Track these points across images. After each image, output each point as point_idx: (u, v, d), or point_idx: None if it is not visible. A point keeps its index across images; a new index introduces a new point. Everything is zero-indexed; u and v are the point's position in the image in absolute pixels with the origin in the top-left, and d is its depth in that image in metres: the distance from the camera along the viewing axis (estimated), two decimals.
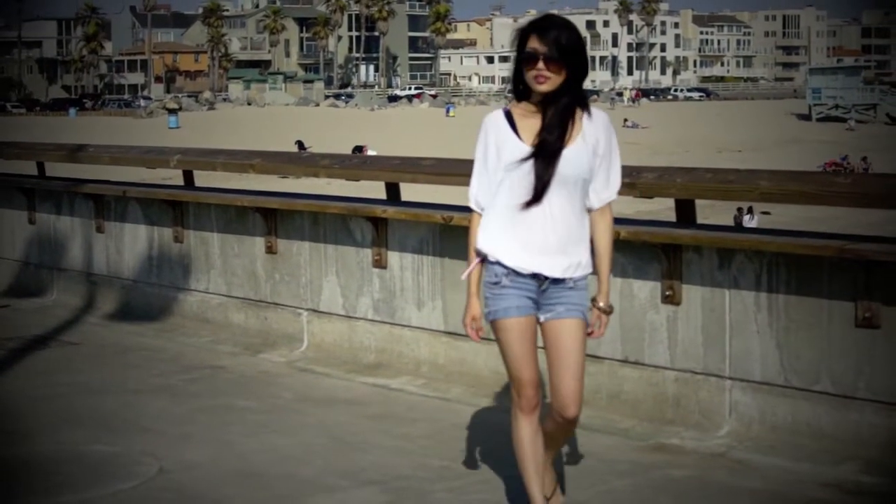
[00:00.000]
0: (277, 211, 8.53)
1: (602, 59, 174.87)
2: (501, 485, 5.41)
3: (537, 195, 4.42)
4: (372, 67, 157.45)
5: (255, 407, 7.02)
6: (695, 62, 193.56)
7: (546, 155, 4.41)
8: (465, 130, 35.80)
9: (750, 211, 30.26)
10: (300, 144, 51.68)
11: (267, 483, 5.62)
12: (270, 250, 8.59)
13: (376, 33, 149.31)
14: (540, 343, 4.59)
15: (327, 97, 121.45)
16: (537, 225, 4.45)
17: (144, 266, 9.77)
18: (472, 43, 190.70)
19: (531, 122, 4.46)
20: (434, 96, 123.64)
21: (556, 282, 4.51)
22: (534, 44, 4.40)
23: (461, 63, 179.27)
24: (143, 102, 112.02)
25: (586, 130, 4.46)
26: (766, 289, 6.00)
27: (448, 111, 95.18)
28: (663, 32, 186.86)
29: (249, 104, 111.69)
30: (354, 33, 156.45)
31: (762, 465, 5.72)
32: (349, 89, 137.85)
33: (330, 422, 6.67)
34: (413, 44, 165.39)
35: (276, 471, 5.78)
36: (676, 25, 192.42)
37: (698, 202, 6.75)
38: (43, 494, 5.49)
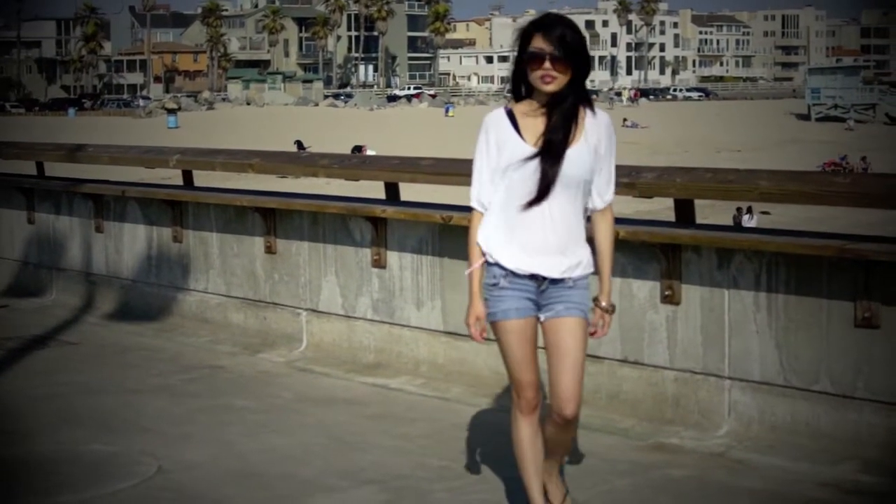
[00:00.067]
0: (276, 211, 8.53)
1: (601, 58, 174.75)
2: (501, 485, 5.41)
3: (541, 196, 4.40)
4: (371, 67, 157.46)
5: (255, 407, 7.02)
6: (694, 62, 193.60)
7: (551, 155, 4.38)
8: (464, 130, 35.81)
9: (749, 211, 30.26)
10: (299, 144, 51.66)
11: (266, 483, 5.62)
12: (269, 250, 8.59)
13: (375, 33, 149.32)
14: (541, 343, 4.58)
15: (326, 97, 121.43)
16: (536, 226, 4.44)
17: (143, 266, 9.77)
18: (471, 43, 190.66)
19: (534, 122, 4.43)
20: (433, 96, 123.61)
21: (556, 282, 4.50)
22: (539, 43, 4.36)
23: (460, 63, 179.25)
24: (142, 102, 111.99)
25: (589, 130, 4.45)
26: (765, 289, 6.00)
27: (447, 111, 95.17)
28: (662, 32, 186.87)
29: (248, 104, 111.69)
30: (353, 33, 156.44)
31: (761, 464, 5.72)
32: (348, 89, 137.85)
33: (329, 422, 6.67)
34: (412, 44, 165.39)
35: (275, 470, 5.78)
36: (675, 25, 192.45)
37: (698, 202, 6.75)
38: (42, 494, 5.49)
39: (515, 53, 4.48)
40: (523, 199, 4.42)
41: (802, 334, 5.89)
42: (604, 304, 4.60)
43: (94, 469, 5.85)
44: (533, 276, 4.49)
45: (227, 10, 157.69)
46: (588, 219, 4.59)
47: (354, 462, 5.89)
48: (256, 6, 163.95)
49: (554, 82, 4.36)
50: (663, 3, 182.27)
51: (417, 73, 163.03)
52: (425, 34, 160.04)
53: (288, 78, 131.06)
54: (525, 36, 4.42)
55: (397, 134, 67.61)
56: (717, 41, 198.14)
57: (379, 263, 7.82)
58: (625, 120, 79.27)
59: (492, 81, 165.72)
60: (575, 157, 4.41)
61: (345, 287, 8.10)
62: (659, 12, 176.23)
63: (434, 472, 5.70)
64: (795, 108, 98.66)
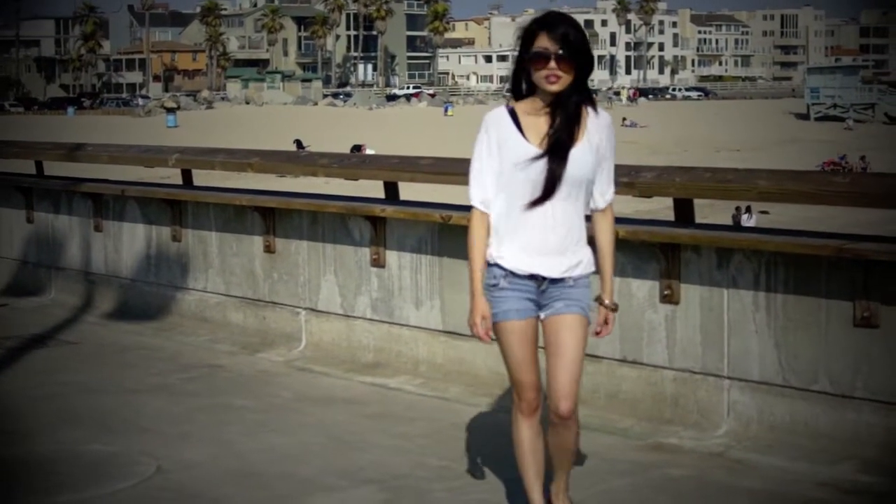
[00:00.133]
0: (276, 210, 8.52)
1: (600, 58, 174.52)
2: (500, 485, 5.41)
3: (545, 196, 4.37)
4: (370, 66, 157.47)
5: (254, 406, 7.02)
6: (693, 61, 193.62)
7: (557, 156, 4.35)
8: (464, 129, 35.79)
9: (748, 210, 30.25)
10: (298, 143, 51.62)
11: (265, 482, 5.62)
12: (269, 249, 8.59)
13: (374, 32, 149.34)
14: (541, 342, 4.57)
15: (325, 96, 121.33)
16: (537, 226, 4.42)
17: (143, 265, 9.77)
18: (471, 42, 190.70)
19: (536, 121, 4.40)
20: (432, 95, 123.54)
21: (556, 281, 4.48)
22: (544, 42, 4.33)
23: (459, 62, 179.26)
24: (141, 101, 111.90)
25: (591, 130, 4.43)
26: (764, 288, 6.00)
27: (446, 110, 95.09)
28: (661, 32, 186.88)
29: (247, 103, 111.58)
30: (352, 32, 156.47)
31: (760, 464, 5.72)
32: (347, 88, 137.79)
33: (328, 421, 6.67)
34: (411, 43, 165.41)
35: (274, 470, 5.78)
36: (674, 25, 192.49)
37: (697, 201, 6.75)
38: (42, 494, 5.49)
39: (517, 52, 4.43)
40: (526, 200, 4.40)
41: (801, 334, 5.89)
42: (607, 302, 4.58)
43: (94, 469, 5.85)
44: (533, 277, 4.47)
45: (226, 9, 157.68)
46: (588, 218, 4.57)
47: (353, 461, 5.89)
48: (255, 5, 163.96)
49: (559, 82, 4.33)
50: (662, 3, 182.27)
51: (416, 73, 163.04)
52: (424, 33, 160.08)
53: (287, 77, 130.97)
54: (528, 34, 4.39)
55: (396, 133, 67.58)
56: (716, 41, 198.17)
57: (378, 263, 7.82)
58: (624, 119, 79.21)
59: (491, 81, 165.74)
60: (579, 157, 4.39)
61: (344, 286, 8.10)
62: (658, 12, 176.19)
63: (433, 472, 5.70)
64: (794, 107, 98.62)
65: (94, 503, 5.40)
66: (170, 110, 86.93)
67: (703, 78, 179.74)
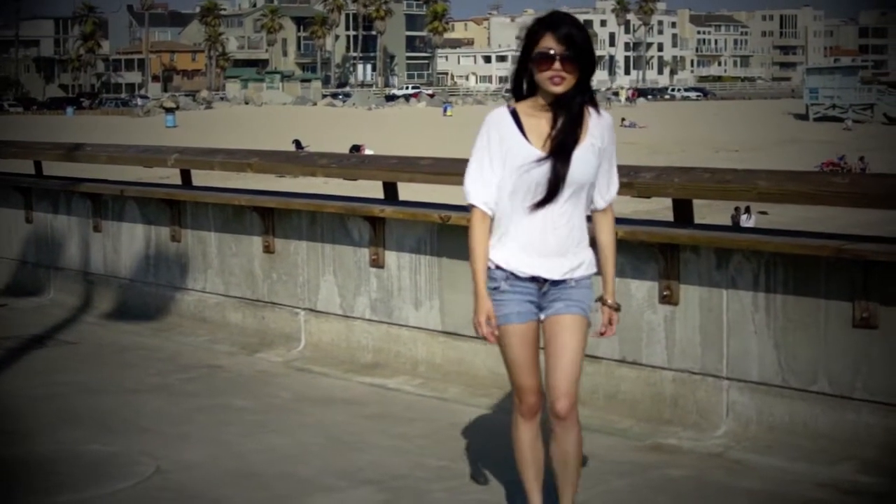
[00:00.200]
0: (275, 210, 8.52)
1: (599, 58, 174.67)
2: (499, 486, 5.41)
3: (549, 198, 4.34)
4: (369, 67, 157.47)
5: (253, 406, 7.02)
6: (692, 62, 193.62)
7: (561, 159, 4.32)
8: (463, 130, 35.81)
9: (747, 211, 30.25)
10: (298, 143, 51.60)
11: (264, 483, 5.62)
12: (268, 250, 8.59)
13: (374, 32, 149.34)
14: (542, 343, 4.56)
15: (325, 96, 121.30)
16: (538, 228, 4.39)
17: (142, 265, 9.77)
18: (470, 42, 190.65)
19: (538, 123, 4.37)
20: (431, 95, 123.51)
21: (557, 283, 4.46)
22: (549, 43, 4.29)
23: (458, 62, 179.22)
24: (140, 101, 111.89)
25: (593, 131, 4.40)
26: (763, 289, 6.00)
27: (445, 111, 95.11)
28: (660, 32, 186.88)
29: (247, 103, 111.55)
30: (352, 32, 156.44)
31: (759, 465, 5.72)
32: (346, 88, 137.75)
33: (327, 421, 6.67)
34: (410, 43, 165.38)
35: (273, 470, 5.78)
36: (674, 25, 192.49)
37: (696, 202, 6.75)
38: (42, 494, 5.49)
39: (520, 52, 4.39)
40: (527, 202, 4.37)
41: (801, 334, 5.89)
42: (610, 302, 4.56)
43: (94, 469, 5.85)
44: (534, 279, 4.45)
45: (225, 9, 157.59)
46: (588, 218, 4.56)
47: (353, 462, 5.89)
48: (255, 5, 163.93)
49: (563, 83, 4.30)
50: (661, 3, 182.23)
51: (416, 73, 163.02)
52: (423, 34, 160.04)
53: (286, 77, 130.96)
54: (532, 35, 4.35)
55: (395, 133, 67.58)
56: (716, 41, 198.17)
57: (377, 263, 7.82)
58: (623, 119, 79.25)
59: (490, 81, 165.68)
60: (581, 159, 4.36)
61: (343, 287, 8.10)
62: (657, 12, 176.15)
63: (432, 472, 5.70)
64: (793, 107, 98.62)
65: (93, 503, 5.40)
66: (169, 110, 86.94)
67: (703, 78, 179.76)
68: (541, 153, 4.34)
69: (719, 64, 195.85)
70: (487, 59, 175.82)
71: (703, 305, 6.23)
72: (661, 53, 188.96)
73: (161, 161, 9.98)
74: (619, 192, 4.66)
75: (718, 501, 5.37)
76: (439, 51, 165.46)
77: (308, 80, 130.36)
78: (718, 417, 6.16)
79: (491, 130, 4.41)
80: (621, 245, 6.15)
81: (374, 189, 8.52)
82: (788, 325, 5.93)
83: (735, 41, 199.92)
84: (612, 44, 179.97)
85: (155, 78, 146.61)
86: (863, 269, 5.61)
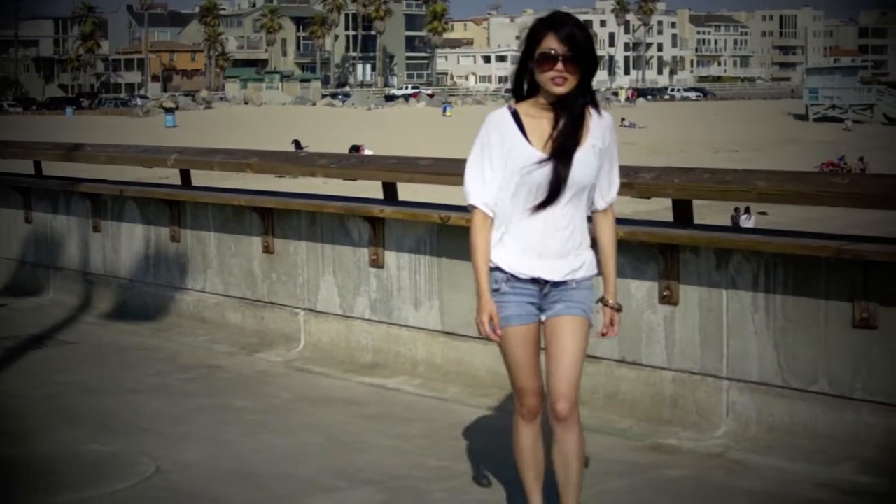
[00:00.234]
0: (274, 210, 8.52)
1: (599, 58, 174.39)
2: (499, 486, 5.41)
3: (550, 200, 4.32)
4: (369, 67, 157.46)
5: (252, 407, 7.02)
6: (692, 62, 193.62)
7: (563, 160, 4.30)
8: (462, 130, 35.79)
9: (747, 211, 30.26)
10: (297, 144, 51.61)
11: (264, 483, 5.62)
12: (267, 250, 8.58)
13: (373, 32, 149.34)
14: (543, 344, 4.55)
15: (324, 96, 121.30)
16: (538, 229, 4.37)
17: (141, 265, 9.76)
18: (469, 42, 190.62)
19: (539, 124, 4.35)
20: (431, 96, 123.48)
21: (558, 284, 4.44)
22: (551, 43, 4.27)
23: (458, 62, 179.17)
24: (139, 101, 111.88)
25: (594, 132, 4.38)
26: (763, 289, 6.00)
27: (445, 111, 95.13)
28: (660, 32, 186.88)
29: (246, 103, 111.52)
30: (351, 32, 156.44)
31: (759, 465, 5.72)
32: (346, 88, 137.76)
33: (327, 421, 6.67)
34: (410, 43, 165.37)
35: (273, 470, 5.78)
36: (673, 25, 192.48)
37: (696, 202, 6.75)
38: (42, 494, 5.49)
39: (521, 52, 4.37)
40: (529, 203, 4.35)
41: (800, 335, 5.89)
42: (611, 302, 4.54)
43: (93, 469, 5.85)
44: (535, 280, 4.43)
45: (224, 9, 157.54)
46: (588, 219, 4.55)
47: (352, 462, 5.89)
48: (254, 5, 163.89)
49: (565, 84, 4.28)
50: (661, 3, 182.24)
51: (415, 73, 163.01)
52: (423, 34, 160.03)
53: (286, 77, 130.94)
54: (533, 35, 4.33)
55: (395, 133, 67.57)
56: (715, 41, 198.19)
57: (377, 263, 7.82)
58: (623, 119, 79.21)
59: (489, 81, 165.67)
60: (583, 160, 4.35)
61: (343, 287, 8.10)
62: (657, 12, 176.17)
63: (432, 472, 5.70)
64: (793, 108, 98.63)
65: (93, 503, 5.40)
66: (168, 110, 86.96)
67: (702, 78, 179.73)
68: (542, 155, 4.32)
69: (719, 64, 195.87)
70: (487, 60, 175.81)
71: (702, 306, 6.23)
72: (660, 53, 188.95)
73: (160, 161, 9.98)
74: (619, 193, 4.64)
75: (718, 502, 5.37)
76: (439, 51, 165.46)
77: (307, 80, 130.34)
78: (718, 418, 6.16)
79: (491, 131, 4.39)
80: (621, 245, 6.13)
81: (374, 189, 8.52)
82: (788, 326, 5.93)
83: (735, 41, 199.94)
84: (611, 44, 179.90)
85: (154, 78, 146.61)
86: (863, 269, 5.61)
